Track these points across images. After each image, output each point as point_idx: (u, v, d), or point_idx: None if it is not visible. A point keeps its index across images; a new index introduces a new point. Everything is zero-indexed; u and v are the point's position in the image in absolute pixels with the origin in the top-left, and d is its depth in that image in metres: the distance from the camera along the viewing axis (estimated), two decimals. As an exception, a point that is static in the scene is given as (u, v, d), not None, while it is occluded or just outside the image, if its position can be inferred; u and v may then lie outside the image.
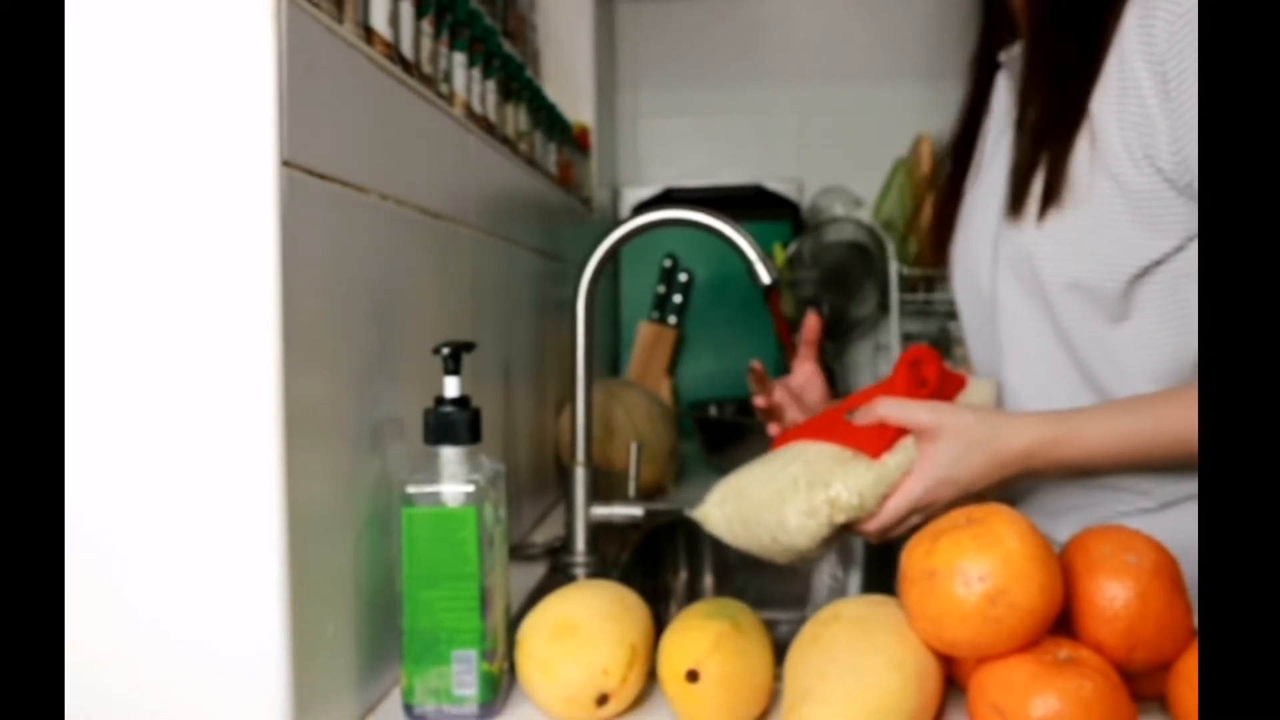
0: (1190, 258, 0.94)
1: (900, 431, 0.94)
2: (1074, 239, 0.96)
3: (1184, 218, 0.93)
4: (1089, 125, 0.96)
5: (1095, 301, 0.97)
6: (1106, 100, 0.95)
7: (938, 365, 1.00)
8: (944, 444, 0.92)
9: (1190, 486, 0.98)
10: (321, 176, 0.68)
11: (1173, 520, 0.97)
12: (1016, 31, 1.11)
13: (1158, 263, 0.94)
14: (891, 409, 0.94)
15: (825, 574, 0.99)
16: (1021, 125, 1.01)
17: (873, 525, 0.94)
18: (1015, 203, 1.00)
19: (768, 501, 0.93)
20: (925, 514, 0.94)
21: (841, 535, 0.95)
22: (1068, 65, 0.97)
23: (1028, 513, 0.72)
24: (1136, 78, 0.92)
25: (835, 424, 0.98)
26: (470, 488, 0.73)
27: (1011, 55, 1.10)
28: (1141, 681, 0.70)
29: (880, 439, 0.94)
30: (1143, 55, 0.91)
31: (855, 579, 1.35)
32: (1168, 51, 0.89)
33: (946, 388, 1.02)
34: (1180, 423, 0.91)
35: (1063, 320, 1.00)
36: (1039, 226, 0.98)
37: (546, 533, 1.30)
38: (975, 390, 1.04)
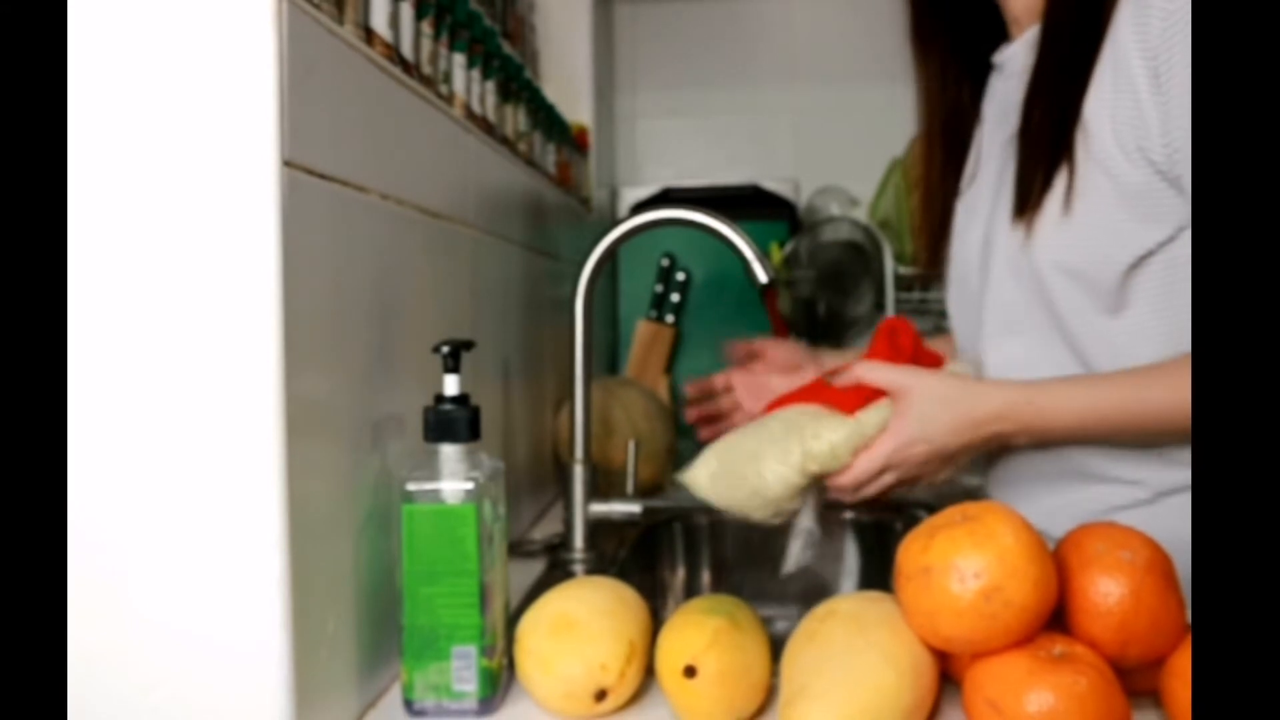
0: (1183, 246, 0.95)
1: (877, 393, 0.99)
2: (1069, 233, 0.98)
3: (1176, 208, 0.94)
4: (1081, 123, 0.97)
5: (1092, 292, 0.98)
6: (1099, 97, 0.96)
7: (913, 335, 1.06)
8: (916, 402, 0.96)
9: (1184, 476, 0.99)
10: (322, 176, 0.69)
11: (1166, 512, 0.98)
12: (1008, 33, 1.12)
13: (1152, 252, 0.96)
14: (866, 370, 0.99)
15: (801, 528, 1.00)
16: (1027, 129, 1.02)
17: (846, 478, 0.98)
18: (1023, 206, 1.01)
19: (748, 456, 0.97)
20: (898, 472, 0.99)
21: (817, 489, 0.99)
22: (1073, 68, 0.98)
23: (1023, 509, 0.73)
24: (1130, 72, 0.93)
25: (817, 389, 1.03)
26: (470, 485, 0.73)
27: (1003, 58, 1.12)
28: (1135, 677, 0.71)
29: (856, 398, 0.99)
30: (1138, 49, 0.93)
31: (851, 578, 1.36)
32: (1160, 45, 0.91)
33: (921, 360, 1.06)
34: (1150, 390, 0.94)
35: (1061, 313, 1.01)
36: (1037, 223, 0.99)
37: (545, 529, 1.31)
38: (954, 370, 1.06)
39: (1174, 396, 0.92)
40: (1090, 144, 0.96)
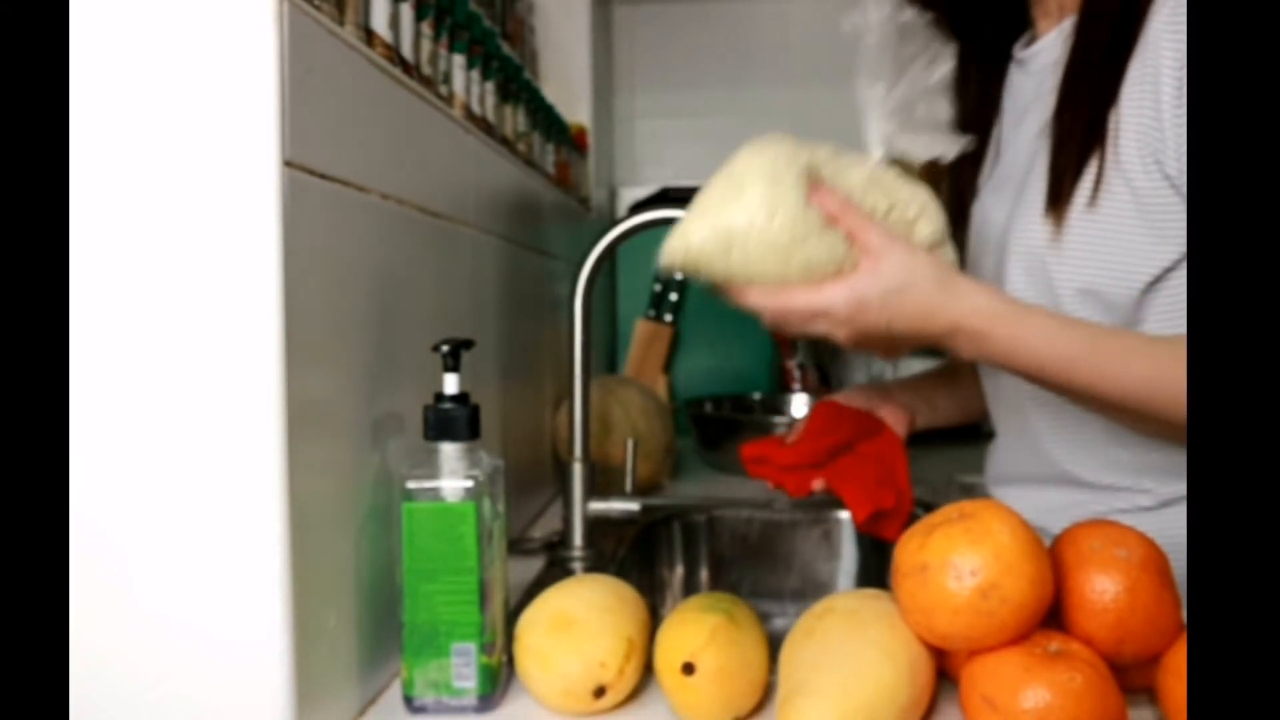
0: None
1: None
2: (1089, 245, 0.96)
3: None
4: (1114, 116, 0.95)
5: (1107, 309, 0.96)
6: (1128, 101, 0.94)
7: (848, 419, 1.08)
8: (890, 263, 0.85)
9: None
10: (323, 176, 0.69)
11: (1169, 519, 0.97)
12: (1032, 26, 1.11)
13: (1168, 270, 0.94)
14: (851, 212, 0.86)
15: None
16: (1060, 128, 0.99)
17: (773, 301, 0.86)
18: (1055, 198, 0.97)
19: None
20: (829, 325, 0.87)
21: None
22: (1111, 60, 0.95)
23: (1023, 510, 0.73)
24: (1158, 79, 0.91)
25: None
26: (469, 483, 0.74)
27: (1029, 53, 1.10)
28: (1131, 674, 0.71)
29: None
30: (1171, 56, 0.90)
31: (849, 575, 1.37)
32: None
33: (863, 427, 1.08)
34: (1129, 353, 0.89)
35: None
36: (1056, 231, 0.97)
37: (544, 527, 1.31)
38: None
39: (1154, 376, 0.87)
40: (1118, 144, 0.94)
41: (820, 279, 0.85)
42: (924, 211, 0.90)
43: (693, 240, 0.84)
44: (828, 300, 0.85)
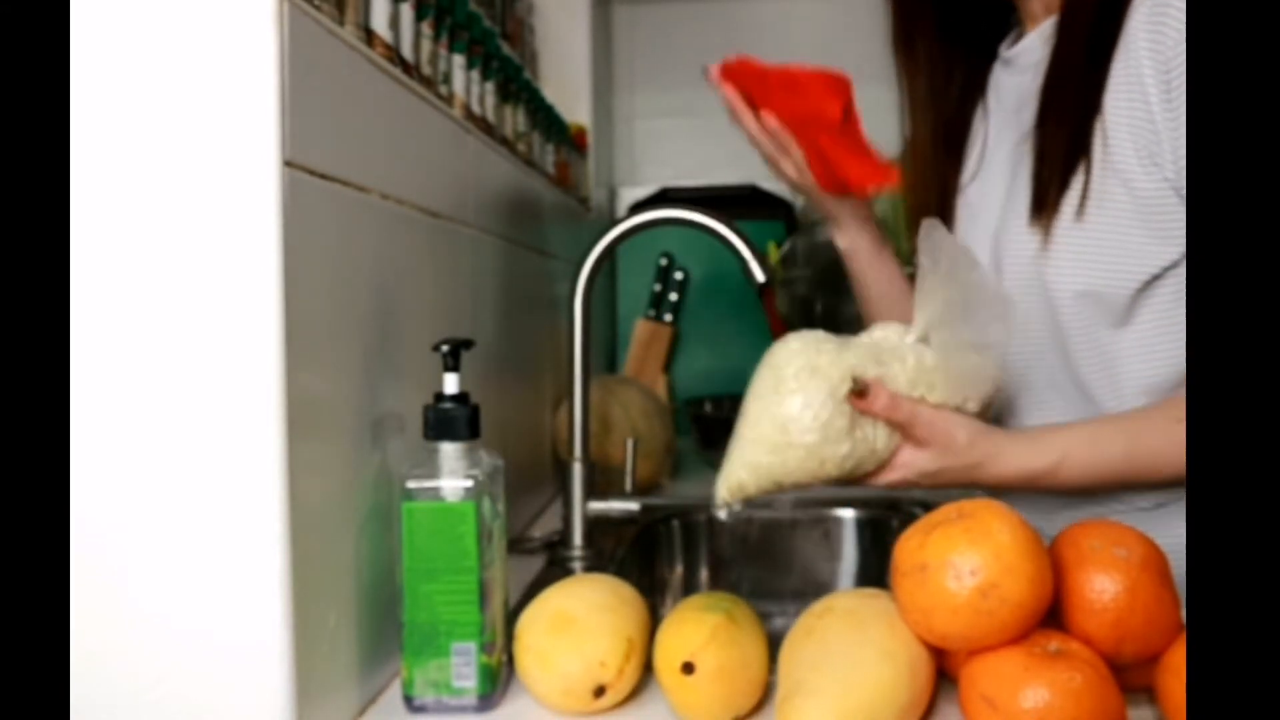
0: None
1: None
2: (1085, 248, 0.96)
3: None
4: (1101, 120, 0.95)
5: (1102, 309, 0.96)
6: (1116, 102, 0.94)
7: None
8: (926, 455, 0.92)
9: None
10: (323, 176, 0.69)
11: (1169, 519, 0.97)
12: (1018, 25, 1.10)
13: (1166, 269, 0.94)
14: (902, 406, 0.89)
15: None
16: (1044, 123, 0.99)
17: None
18: (1040, 206, 0.98)
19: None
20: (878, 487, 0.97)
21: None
22: (1091, 62, 0.96)
23: (1024, 509, 0.73)
24: (1143, 79, 0.91)
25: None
26: (469, 483, 0.74)
27: (1014, 52, 1.10)
28: (1130, 673, 0.71)
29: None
30: (1150, 56, 0.91)
31: (848, 575, 1.37)
32: (1174, 55, 0.89)
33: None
34: (1160, 450, 0.93)
35: (1066, 327, 0.99)
36: (1045, 239, 0.98)
37: (544, 527, 1.31)
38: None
39: (1183, 465, 0.91)
40: (1109, 145, 0.94)
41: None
42: (968, 400, 0.94)
43: (748, 489, 0.92)
44: (870, 481, 0.94)
